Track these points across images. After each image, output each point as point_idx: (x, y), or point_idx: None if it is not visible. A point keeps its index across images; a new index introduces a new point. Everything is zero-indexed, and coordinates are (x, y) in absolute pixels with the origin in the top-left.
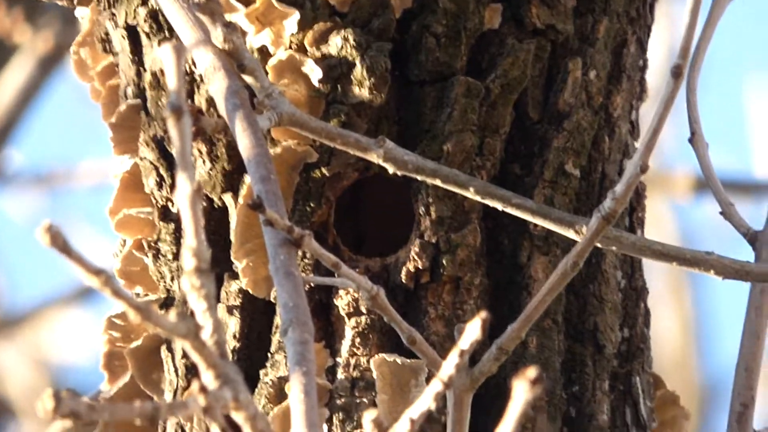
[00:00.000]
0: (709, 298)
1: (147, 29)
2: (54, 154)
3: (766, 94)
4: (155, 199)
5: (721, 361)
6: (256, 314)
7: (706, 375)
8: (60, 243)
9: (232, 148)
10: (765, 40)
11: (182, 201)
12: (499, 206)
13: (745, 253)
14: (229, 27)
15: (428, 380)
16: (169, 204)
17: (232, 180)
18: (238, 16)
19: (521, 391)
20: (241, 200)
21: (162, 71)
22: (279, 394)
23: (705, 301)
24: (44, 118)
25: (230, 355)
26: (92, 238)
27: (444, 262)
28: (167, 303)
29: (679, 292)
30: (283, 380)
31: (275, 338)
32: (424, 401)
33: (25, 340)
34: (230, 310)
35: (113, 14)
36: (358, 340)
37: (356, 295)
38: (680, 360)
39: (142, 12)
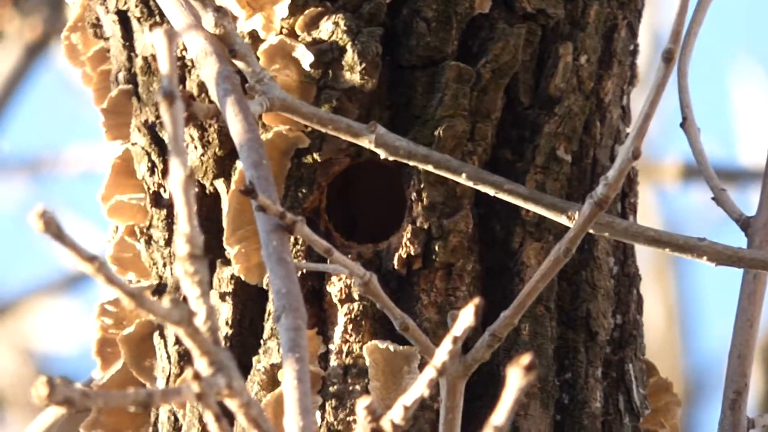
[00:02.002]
0: (693, 286)
1: (138, 14)
2: (40, 141)
3: (751, 82)
4: (147, 185)
5: (705, 349)
6: (249, 301)
7: (690, 363)
8: (53, 229)
9: (223, 133)
10: (749, 27)
11: (175, 186)
12: (491, 192)
13: (731, 242)
14: (220, 12)
15: (421, 367)
16: (161, 190)
17: (223, 166)
18: (229, 1)
19: (515, 377)
20: (233, 186)
21: (153, 56)
22: (272, 381)
23: (689, 288)
24: (31, 106)
25: (223, 342)
26: (79, 225)
27: (436, 248)
28: (159, 289)
29: (663, 280)
30: (276, 367)
31: (268, 325)
32: (418, 388)
33: (10, 329)
34: (222, 296)
35: None
36: (350, 326)
37: (349, 281)
38: (664, 348)
39: None
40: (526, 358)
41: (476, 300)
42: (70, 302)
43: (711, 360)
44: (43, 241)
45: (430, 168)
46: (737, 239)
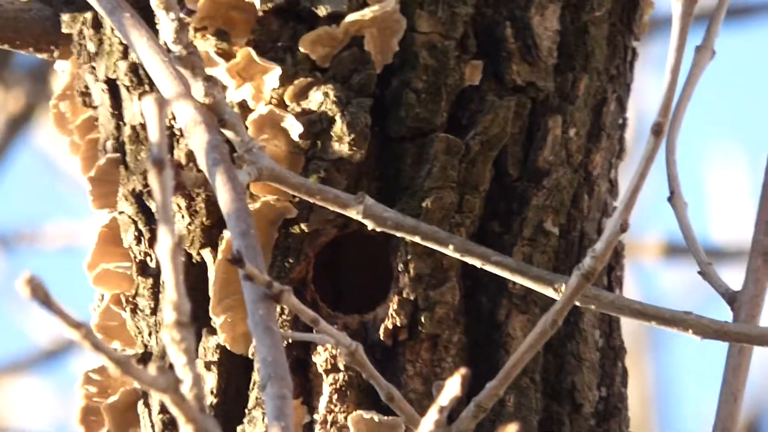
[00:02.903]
0: (669, 366)
1: (127, 83)
2: (18, 216)
3: (727, 164)
4: (133, 253)
5: (682, 430)
6: (234, 370)
7: None
8: (40, 295)
9: (211, 203)
10: (729, 110)
11: (163, 254)
12: (478, 264)
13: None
14: (210, 81)
15: None
16: (148, 259)
17: (210, 235)
18: (219, 71)
19: None
20: (219, 255)
21: (142, 125)
22: None
23: (665, 368)
24: (10, 180)
25: (208, 411)
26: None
27: (422, 319)
28: (145, 358)
29: (639, 359)
30: None
31: (253, 394)
32: None
33: None
34: (208, 365)
35: (93, 68)
36: (335, 396)
37: (334, 351)
38: (640, 428)
39: (123, 66)
40: (512, 428)
41: (462, 370)
42: (42, 380)
43: None
44: (16, 316)
45: (417, 239)
46: (718, 317)
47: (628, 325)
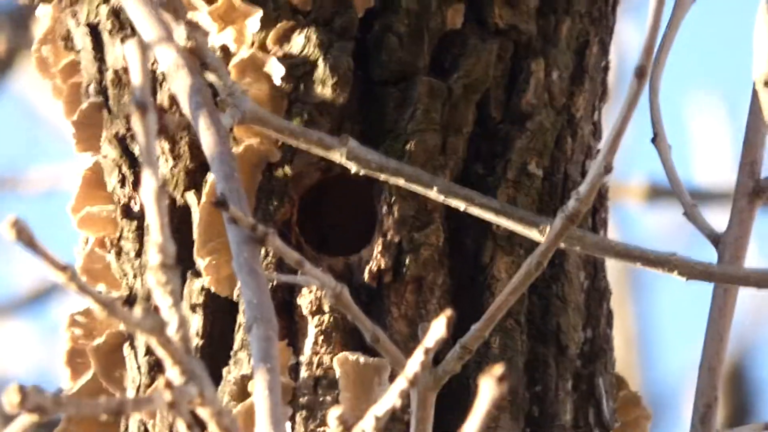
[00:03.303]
0: (651, 308)
1: (109, 27)
2: (5, 158)
3: (706, 108)
4: (117, 196)
5: (663, 371)
6: (219, 312)
7: (648, 385)
8: (25, 237)
9: (194, 146)
10: (705, 55)
11: (147, 197)
12: (462, 206)
13: None
14: (192, 25)
15: (391, 379)
16: (132, 202)
17: (194, 178)
18: (201, 15)
19: (487, 388)
20: (204, 198)
21: (124, 69)
22: (242, 392)
23: (647, 310)
24: None
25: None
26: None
27: (407, 261)
28: (130, 301)
29: (622, 302)
30: (246, 378)
31: (238, 336)
32: (389, 399)
33: None
34: (193, 308)
35: (75, 12)
36: (321, 338)
37: (319, 293)
38: (623, 369)
39: (104, 10)
40: (498, 369)
41: (448, 312)
42: (25, 324)
43: (668, 382)
44: None
45: (401, 182)
46: (703, 258)
47: (612, 267)
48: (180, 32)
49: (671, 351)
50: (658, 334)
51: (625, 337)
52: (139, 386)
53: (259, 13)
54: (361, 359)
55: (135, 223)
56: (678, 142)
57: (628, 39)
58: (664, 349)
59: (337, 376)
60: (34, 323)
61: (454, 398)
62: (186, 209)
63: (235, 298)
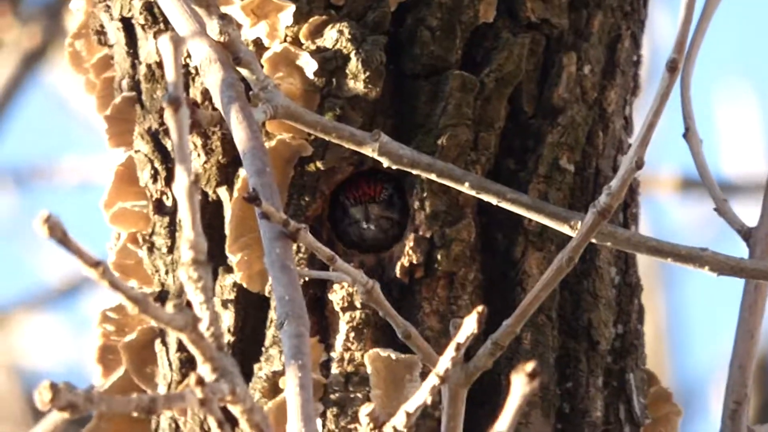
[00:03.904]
0: (681, 303)
1: (142, 21)
2: (32, 152)
3: (738, 100)
4: (150, 192)
5: (692, 366)
6: (251, 308)
7: (678, 379)
8: (58, 234)
9: (227, 141)
10: (740, 47)
11: (179, 192)
12: (494, 201)
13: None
14: (225, 19)
15: (422, 376)
16: (164, 197)
17: (226, 173)
18: (234, 9)
19: (519, 384)
20: (236, 193)
21: (157, 63)
22: (273, 389)
23: (677, 306)
24: (25, 116)
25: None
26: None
27: (438, 257)
28: (162, 296)
29: (652, 297)
30: (278, 374)
31: (269, 332)
32: (421, 395)
33: None
34: (225, 303)
35: (108, 6)
36: (352, 334)
37: (351, 289)
38: (652, 364)
39: (138, 4)
40: (529, 366)
41: (479, 308)
42: (55, 318)
43: (698, 377)
44: (29, 256)
45: (433, 177)
46: (734, 253)
47: (642, 262)
48: (213, 26)
49: (700, 346)
50: (689, 326)
51: (654, 332)
52: (170, 383)
53: (292, 8)
54: (393, 356)
55: (167, 218)
56: (709, 134)
57: (660, 33)
58: (694, 344)
59: (368, 373)
60: (64, 317)
61: (485, 394)
62: (218, 204)
63: (266, 293)
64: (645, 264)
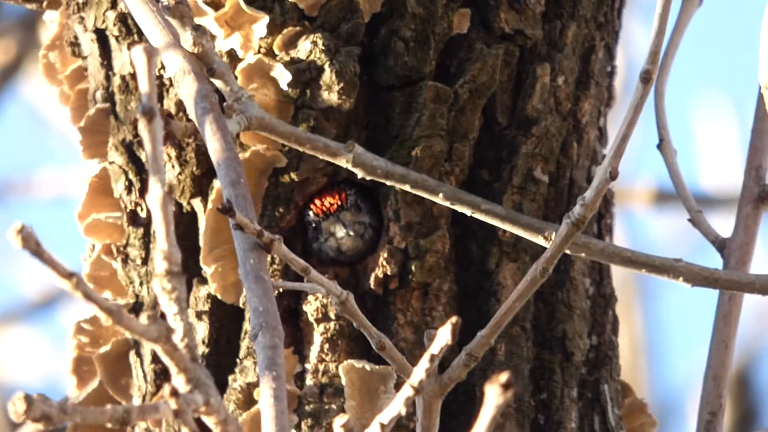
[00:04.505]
0: (657, 315)
1: (116, 33)
2: (10, 165)
3: (714, 113)
4: (124, 203)
5: (669, 379)
6: (225, 320)
7: (654, 392)
8: (31, 245)
9: (201, 152)
10: (716, 59)
11: (153, 203)
12: (468, 212)
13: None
14: (199, 30)
15: (397, 387)
16: (138, 209)
17: (201, 185)
18: (207, 20)
19: (493, 395)
20: (210, 205)
21: (131, 75)
22: (247, 400)
23: (654, 317)
24: (4, 127)
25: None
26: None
27: (413, 268)
28: (136, 308)
29: (629, 309)
30: (252, 386)
31: (244, 344)
32: (395, 406)
33: None
34: (199, 315)
35: (82, 18)
36: (326, 346)
37: (325, 301)
38: (629, 376)
39: (111, 16)
40: (503, 376)
41: (453, 319)
42: (31, 331)
43: (675, 388)
44: (5, 269)
45: (407, 188)
46: (709, 264)
47: (617, 274)
48: (187, 37)
49: (677, 357)
50: (665, 338)
51: (631, 343)
52: (144, 394)
53: (265, 19)
54: (367, 367)
55: (141, 230)
56: (684, 146)
57: (635, 44)
58: (670, 356)
59: (342, 384)
60: (41, 330)
61: (459, 405)
62: (192, 216)
63: (241, 305)
64: (621, 276)
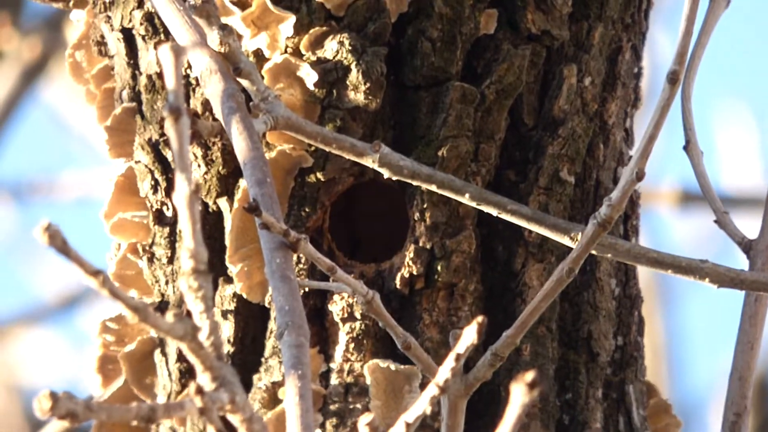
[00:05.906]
0: (679, 319)
1: (143, 32)
2: (33, 166)
3: (735, 115)
4: (150, 202)
5: (690, 383)
6: (251, 319)
7: (676, 396)
8: (58, 243)
9: (227, 151)
10: (735, 61)
11: (180, 202)
12: (494, 212)
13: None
14: (225, 30)
15: (422, 387)
16: (164, 208)
17: (227, 184)
18: (234, 20)
19: (518, 394)
20: (236, 204)
21: (158, 74)
22: (273, 399)
23: (675, 321)
24: (25, 130)
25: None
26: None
27: (439, 268)
28: (161, 307)
29: (650, 312)
30: (277, 385)
31: (269, 343)
32: (420, 406)
33: None
34: (225, 314)
35: (109, 17)
36: (352, 345)
37: (351, 300)
38: (652, 377)
39: (138, 15)
40: (529, 375)
41: (479, 319)
42: (52, 333)
43: (697, 391)
44: (27, 271)
45: (433, 188)
46: (735, 266)
47: (640, 275)
48: (213, 37)
49: (700, 359)
50: (687, 342)
51: (654, 345)
52: (170, 393)
53: (292, 19)
54: (392, 366)
55: (167, 229)
56: (707, 148)
57: (661, 45)
58: (694, 358)
59: (367, 384)
60: (60, 332)
61: (484, 405)
62: (218, 215)
63: (266, 304)
64: (644, 277)
